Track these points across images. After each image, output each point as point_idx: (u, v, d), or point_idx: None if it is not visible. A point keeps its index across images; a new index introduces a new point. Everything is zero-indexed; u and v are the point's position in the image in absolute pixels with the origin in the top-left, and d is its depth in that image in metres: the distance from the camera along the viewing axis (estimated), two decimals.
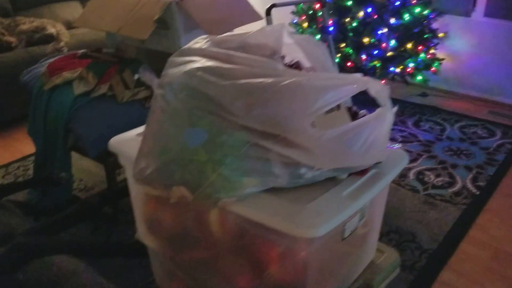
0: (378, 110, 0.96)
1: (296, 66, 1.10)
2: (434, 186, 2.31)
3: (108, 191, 1.72)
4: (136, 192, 1.22)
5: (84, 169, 2.76)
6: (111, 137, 2.36)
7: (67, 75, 2.18)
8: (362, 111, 1.10)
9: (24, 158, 2.95)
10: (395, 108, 1.03)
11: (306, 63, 1.11)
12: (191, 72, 0.94)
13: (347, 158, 0.92)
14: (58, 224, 1.62)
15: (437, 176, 2.40)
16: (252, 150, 0.87)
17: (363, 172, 1.00)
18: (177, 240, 1.18)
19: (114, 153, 2.35)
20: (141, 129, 1.22)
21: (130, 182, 1.22)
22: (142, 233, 1.27)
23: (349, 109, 1.08)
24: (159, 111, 0.97)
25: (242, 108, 0.88)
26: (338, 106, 1.03)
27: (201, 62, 0.96)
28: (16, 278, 1.29)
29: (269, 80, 0.87)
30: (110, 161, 2.34)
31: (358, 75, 0.96)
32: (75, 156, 2.41)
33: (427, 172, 2.44)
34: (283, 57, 1.07)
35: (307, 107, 0.86)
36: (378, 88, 0.95)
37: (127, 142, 1.16)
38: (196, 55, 1.00)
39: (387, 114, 0.96)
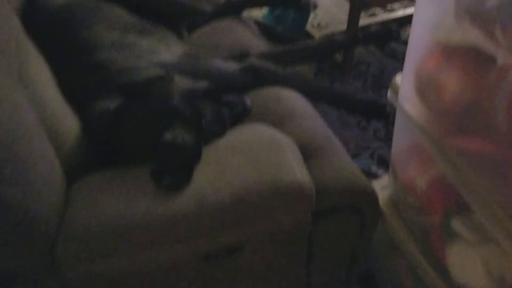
0: None
1: None
2: None
3: (357, 33, 1.39)
4: (417, 38, 0.86)
5: (321, 5, 2.45)
6: None
7: None
8: None
9: None
10: None
11: None
12: None
13: None
14: (293, 54, 1.39)
15: None
16: None
17: None
18: (457, 118, 0.83)
19: None
20: None
21: (414, 22, 0.85)
22: (405, 94, 0.94)
23: None
24: None
25: None
26: None
27: None
28: (244, 102, 1.12)
29: None
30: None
31: None
32: None
33: None
34: None
35: None
36: None
37: None
38: None
39: None
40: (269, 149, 0.92)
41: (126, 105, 0.99)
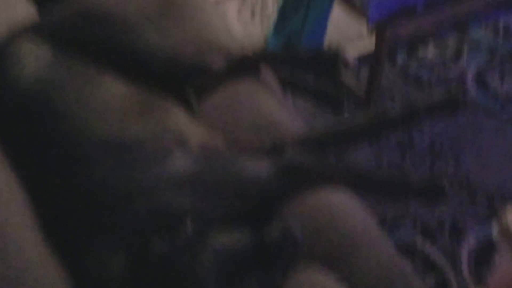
0: None
1: None
2: None
3: (416, 106, 1.09)
4: None
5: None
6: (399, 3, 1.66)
7: None
8: None
9: None
10: None
11: None
12: None
13: None
14: (338, 138, 1.09)
15: None
16: None
17: None
18: None
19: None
20: None
21: None
22: None
23: None
24: None
25: None
26: None
27: None
28: (293, 236, 0.82)
29: None
30: (387, 33, 1.67)
31: None
32: None
33: None
34: None
35: None
36: None
37: None
38: None
39: None
40: None
41: (138, 282, 0.68)
